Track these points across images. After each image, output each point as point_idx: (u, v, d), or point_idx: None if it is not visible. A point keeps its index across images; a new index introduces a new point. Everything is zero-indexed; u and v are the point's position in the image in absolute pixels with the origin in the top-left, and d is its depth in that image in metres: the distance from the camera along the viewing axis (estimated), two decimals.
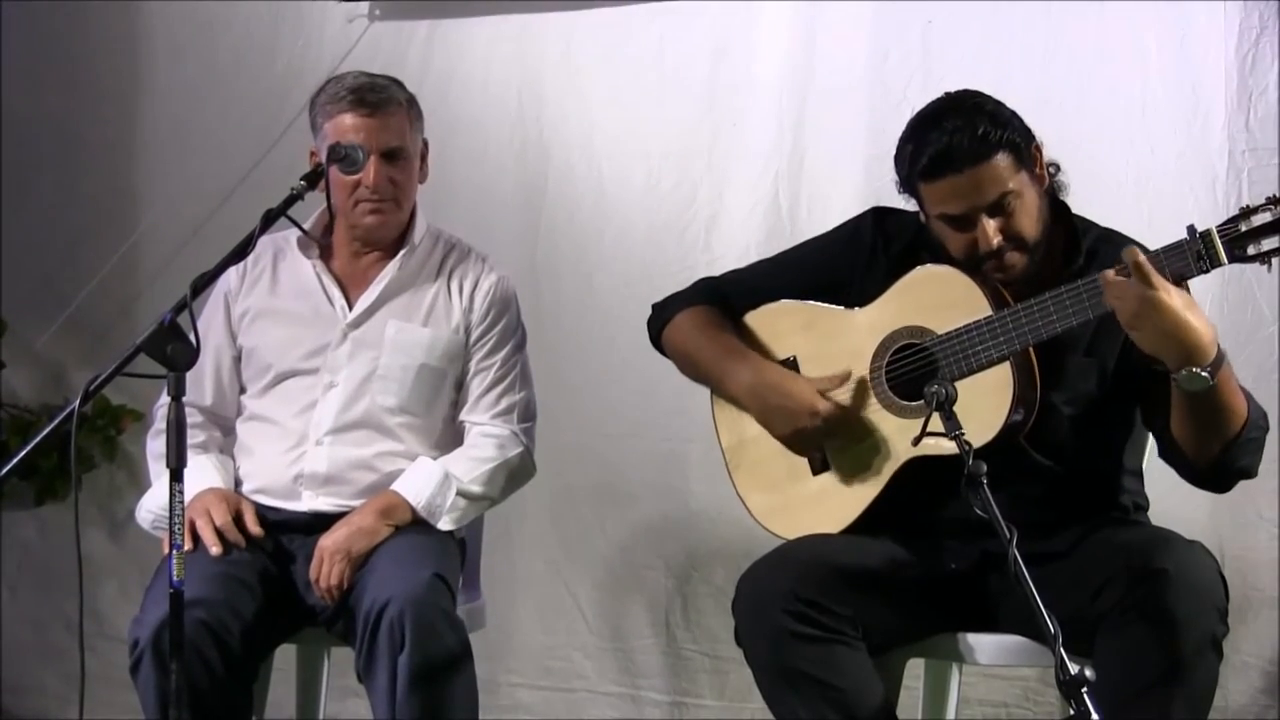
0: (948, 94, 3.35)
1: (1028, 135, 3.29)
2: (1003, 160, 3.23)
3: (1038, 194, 3.30)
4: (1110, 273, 3.04)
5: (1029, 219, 3.28)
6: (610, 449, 4.99)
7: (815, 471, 3.48)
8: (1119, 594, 3.08)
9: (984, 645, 3.39)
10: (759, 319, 3.60)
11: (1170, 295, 3.00)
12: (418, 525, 3.68)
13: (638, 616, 5.02)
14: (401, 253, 3.81)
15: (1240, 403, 3.16)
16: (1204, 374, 3.04)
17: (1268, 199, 2.98)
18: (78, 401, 2.99)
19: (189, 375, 3.00)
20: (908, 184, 3.34)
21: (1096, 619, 3.09)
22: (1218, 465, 3.21)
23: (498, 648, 4.91)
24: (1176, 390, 3.10)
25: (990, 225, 3.25)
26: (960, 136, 3.21)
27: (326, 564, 3.58)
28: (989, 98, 3.31)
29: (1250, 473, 3.26)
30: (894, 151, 3.37)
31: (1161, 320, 3.01)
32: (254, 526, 3.65)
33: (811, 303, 3.53)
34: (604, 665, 5.02)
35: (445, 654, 3.43)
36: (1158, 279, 2.99)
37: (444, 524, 3.70)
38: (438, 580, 3.47)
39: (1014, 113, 3.30)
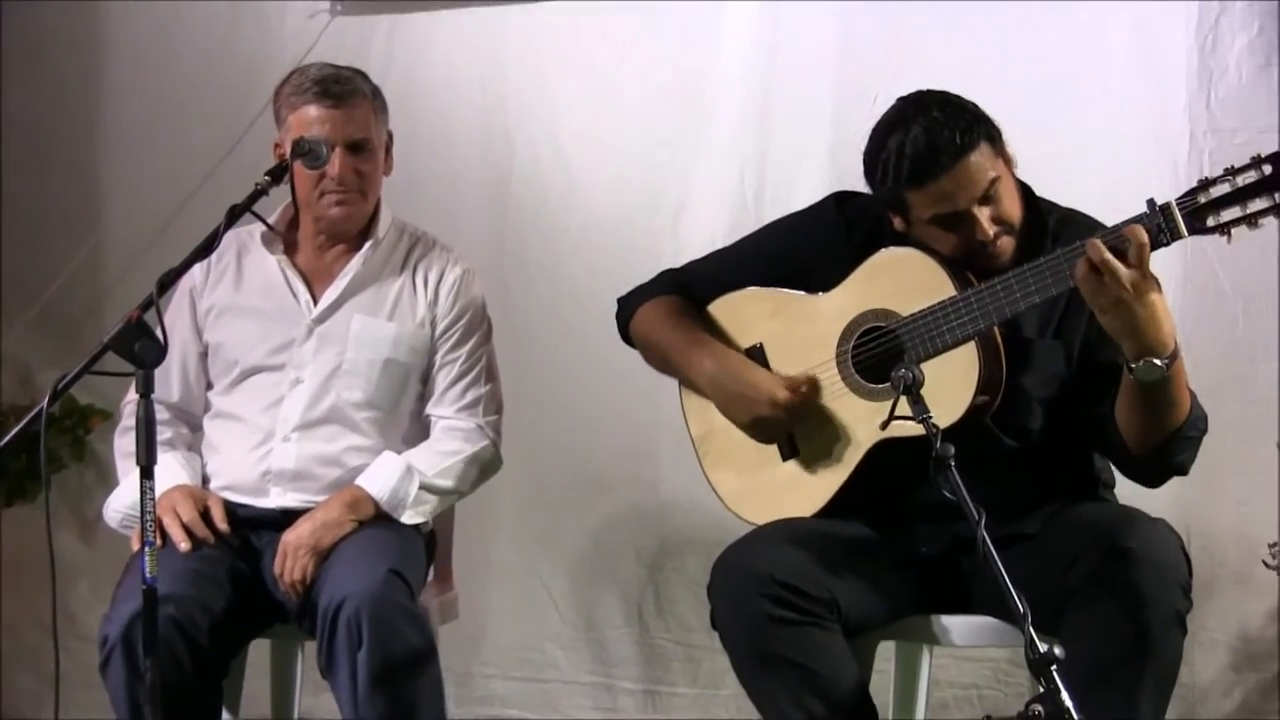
0: (902, 99, 3.34)
1: (992, 123, 3.29)
2: (984, 149, 3.24)
3: (1012, 176, 3.32)
4: (1104, 254, 3.01)
5: (1012, 201, 3.30)
6: (580, 440, 5.00)
7: (785, 457, 3.48)
8: (1085, 573, 3.11)
9: (956, 626, 3.41)
10: (724, 307, 3.60)
11: (1156, 287, 3.03)
12: (381, 520, 3.67)
13: (610, 606, 5.04)
14: (366, 246, 3.80)
15: (1186, 399, 3.19)
16: (1161, 364, 3.07)
17: (1225, 170, 3.00)
18: (45, 401, 2.98)
19: (156, 371, 2.98)
20: (891, 195, 3.30)
21: (1063, 598, 3.11)
22: (1154, 458, 3.24)
23: (471, 639, 4.93)
24: (1129, 379, 3.13)
25: (984, 215, 3.25)
26: (941, 133, 3.20)
27: (290, 559, 3.58)
28: (948, 92, 3.31)
29: (1184, 470, 3.29)
30: (861, 164, 3.34)
31: (1142, 310, 3.02)
32: (221, 523, 3.64)
33: (776, 289, 3.53)
34: (577, 656, 5.04)
35: (406, 650, 3.41)
36: (1148, 269, 3.01)
37: (407, 518, 3.69)
38: (394, 576, 3.45)
39: (974, 103, 3.30)
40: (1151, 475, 3.31)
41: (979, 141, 3.23)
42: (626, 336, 3.76)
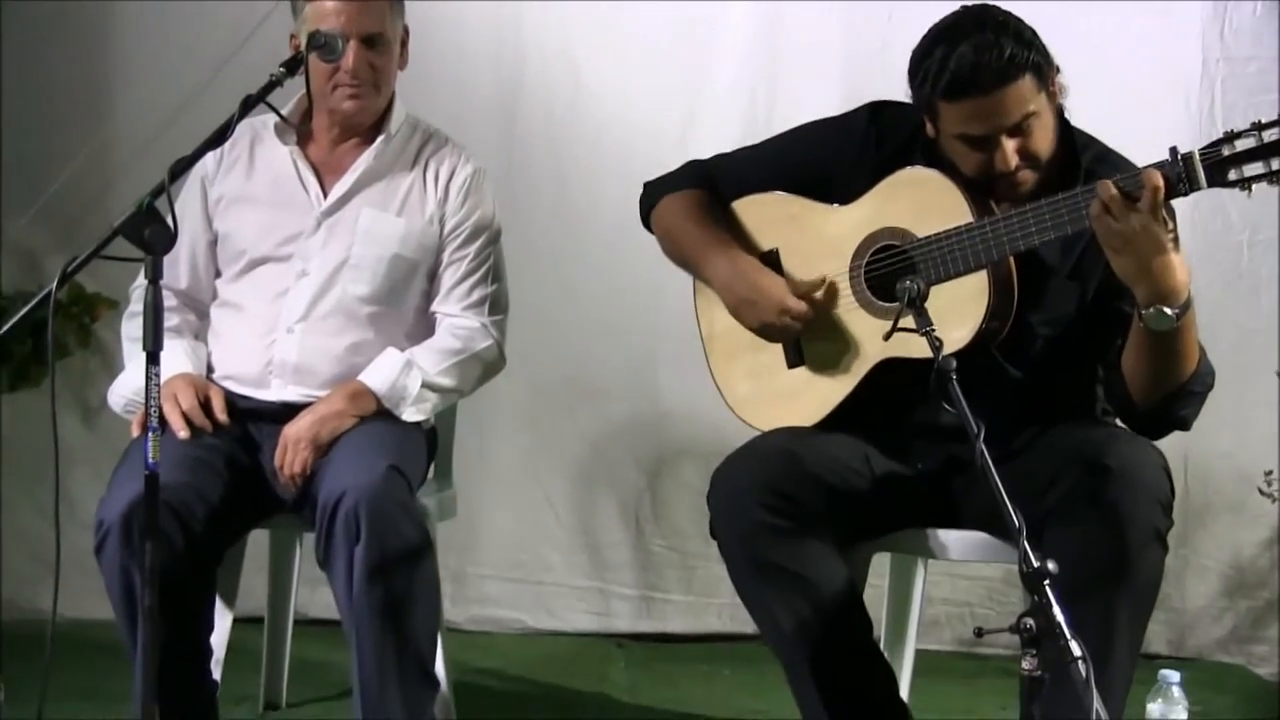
0: (965, 8, 3.29)
1: (1047, 55, 3.24)
2: (1027, 81, 3.19)
3: (1052, 112, 3.28)
4: (1113, 191, 3.02)
5: (1045, 138, 3.26)
6: (582, 346, 5.03)
7: (790, 365, 3.50)
8: (1065, 489, 3.13)
9: (950, 541, 3.43)
10: (745, 208, 3.59)
11: (1167, 230, 3.02)
12: (382, 416, 3.68)
13: (607, 512, 5.08)
14: (378, 140, 3.80)
15: (1194, 352, 3.19)
16: (1171, 314, 3.07)
17: (1252, 124, 2.96)
18: (54, 284, 2.98)
19: (165, 258, 2.98)
20: (925, 101, 3.28)
21: (1045, 514, 3.12)
22: (1157, 410, 3.25)
23: (468, 540, 4.97)
24: (1138, 326, 3.13)
25: (1010, 146, 3.22)
26: (988, 55, 3.16)
27: (290, 451, 3.60)
28: (1010, 14, 3.26)
29: (1186, 425, 3.29)
30: (908, 65, 3.30)
31: (1152, 252, 3.02)
32: (221, 414, 3.66)
33: (797, 196, 3.52)
34: (573, 560, 5.09)
35: (403, 546, 3.43)
36: (1162, 212, 3.01)
37: (408, 415, 3.71)
38: (394, 472, 3.47)
39: (1034, 31, 3.25)
40: (1153, 427, 3.30)
41: (1023, 73, 3.18)
42: (647, 223, 3.75)
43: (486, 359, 3.84)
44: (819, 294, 3.44)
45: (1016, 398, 3.34)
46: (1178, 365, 3.18)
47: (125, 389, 3.73)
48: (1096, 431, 3.34)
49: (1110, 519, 3.07)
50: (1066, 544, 3.04)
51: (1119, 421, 3.41)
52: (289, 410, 3.68)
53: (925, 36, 3.29)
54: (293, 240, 3.76)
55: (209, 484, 3.53)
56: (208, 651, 3.61)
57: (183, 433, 3.59)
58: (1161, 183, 2.99)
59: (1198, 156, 3.00)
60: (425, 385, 3.72)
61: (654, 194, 3.71)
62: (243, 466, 3.66)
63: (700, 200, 3.62)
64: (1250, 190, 3.00)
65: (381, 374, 3.70)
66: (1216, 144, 2.99)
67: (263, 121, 3.78)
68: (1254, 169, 2.97)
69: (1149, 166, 3.05)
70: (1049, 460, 3.21)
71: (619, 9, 5.00)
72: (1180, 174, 3.01)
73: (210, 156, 3.69)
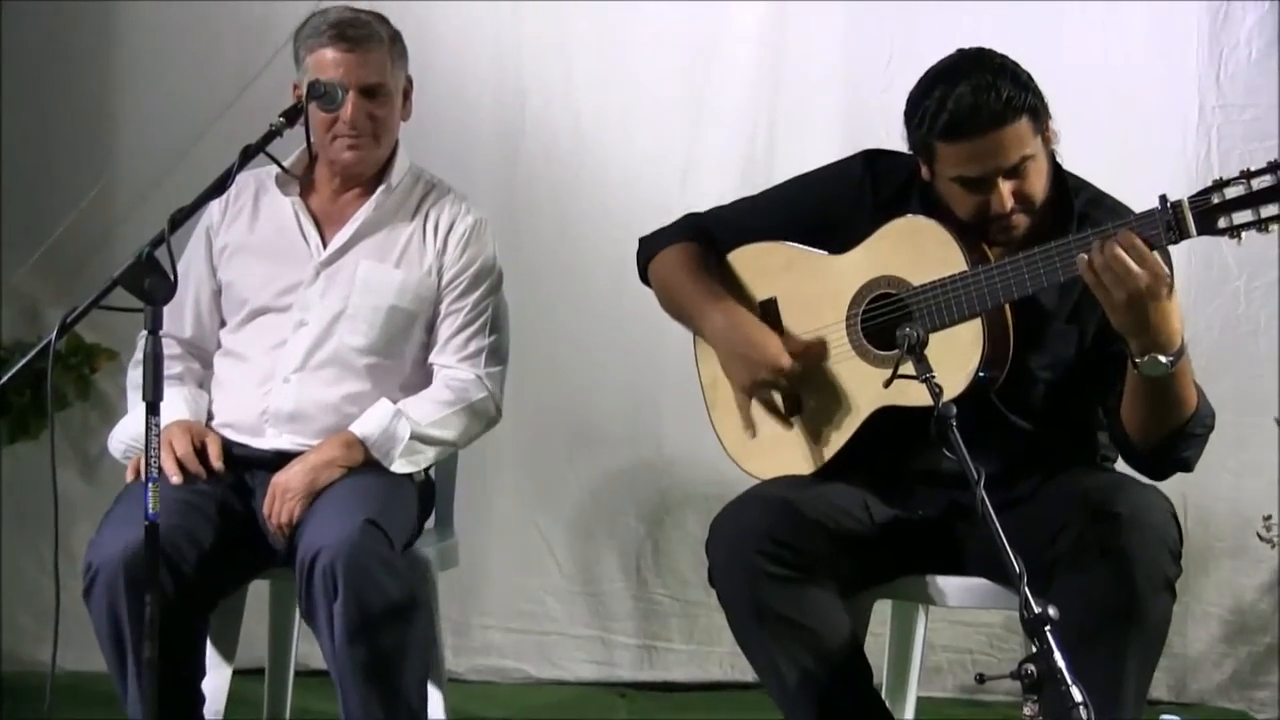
0: (962, 51, 3.31)
1: (1043, 99, 3.26)
2: (1024, 124, 3.21)
3: (1046, 157, 3.30)
4: (1120, 252, 3.01)
5: (1039, 182, 3.28)
6: (584, 393, 5.03)
7: (788, 414, 3.49)
8: (1074, 536, 3.12)
9: (951, 587, 3.42)
10: (742, 258, 3.59)
11: (1169, 287, 3.03)
12: (370, 467, 3.67)
13: (609, 561, 5.07)
14: (378, 191, 3.81)
15: (1191, 395, 3.19)
16: (1165, 361, 3.07)
17: (1241, 172, 2.96)
18: (54, 334, 2.99)
19: (170, 306, 3.00)
20: (922, 142, 3.29)
21: (1054, 561, 3.12)
22: (1158, 452, 3.25)
23: (470, 590, 4.96)
24: (1133, 373, 3.13)
25: (1006, 188, 3.23)
26: (986, 96, 3.18)
27: (279, 501, 3.59)
28: (1007, 58, 3.28)
29: (1188, 466, 3.29)
30: (905, 106, 3.32)
31: (1152, 310, 3.03)
32: (216, 460, 3.66)
33: (794, 244, 3.53)
34: (575, 609, 5.07)
35: (384, 602, 3.40)
36: (1155, 264, 3.01)
37: (398, 466, 3.69)
38: (371, 527, 3.43)
39: (1030, 75, 3.27)
40: (1156, 468, 3.31)
41: (1020, 115, 3.20)
42: (645, 278, 3.75)
43: (480, 411, 3.82)
44: (814, 348, 3.45)
45: (1018, 443, 3.34)
46: (1175, 409, 3.19)
47: (124, 434, 3.73)
48: (1104, 478, 3.35)
49: (1120, 565, 3.07)
50: (1076, 590, 3.05)
51: (1121, 463, 3.41)
52: (282, 458, 3.67)
53: (923, 78, 3.31)
54: (292, 290, 3.77)
55: (200, 528, 3.53)
56: (200, 698, 3.60)
57: (175, 478, 3.59)
58: (1135, 241, 3.00)
59: (1187, 204, 3.00)
60: (416, 436, 3.70)
61: (650, 248, 3.71)
62: (235, 513, 3.65)
63: (695, 253, 3.62)
64: (1240, 238, 3.00)
65: (370, 423, 3.69)
66: (1206, 192, 2.99)
67: (267, 171, 3.78)
68: (1243, 217, 2.96)
69: (1141, 215, 3.06)
70: (1057, 507, 3.21)
71: (620, 52, 5.02)
72: (1170, 221, 3.01)
73: (215, 206, 3.73)
